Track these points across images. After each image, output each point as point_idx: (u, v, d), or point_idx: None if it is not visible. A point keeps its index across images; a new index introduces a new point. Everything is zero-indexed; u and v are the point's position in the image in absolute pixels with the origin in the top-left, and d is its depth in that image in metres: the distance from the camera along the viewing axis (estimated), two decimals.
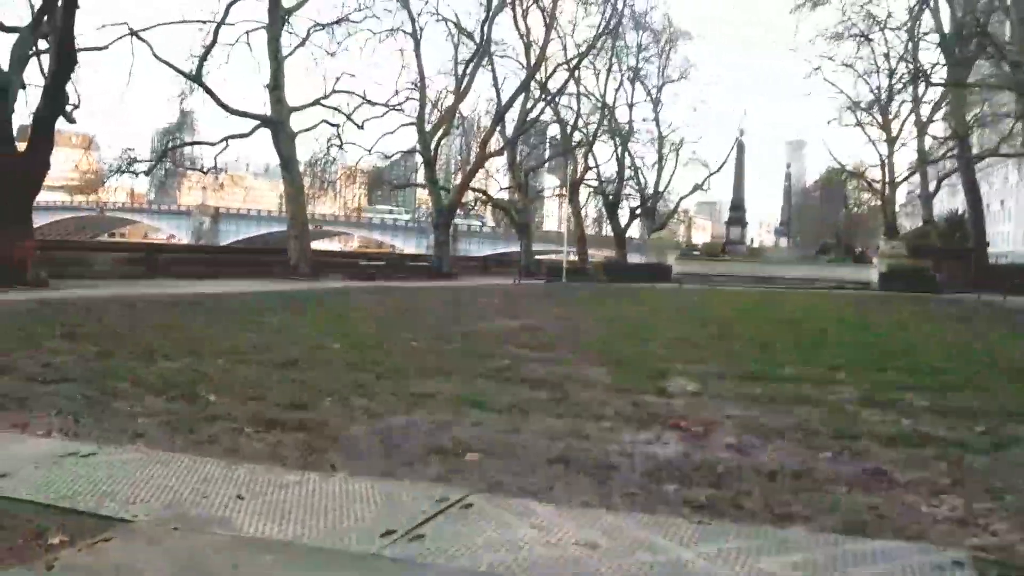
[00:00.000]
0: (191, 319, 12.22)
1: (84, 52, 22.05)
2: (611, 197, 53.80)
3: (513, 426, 5.09)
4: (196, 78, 28.26)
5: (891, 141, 47.81)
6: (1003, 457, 4.62)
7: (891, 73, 43.41)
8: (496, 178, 53.21)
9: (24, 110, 20.32)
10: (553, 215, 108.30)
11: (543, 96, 44.94)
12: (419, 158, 42.42)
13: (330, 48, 32.96)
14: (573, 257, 46.90)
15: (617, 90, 52.46)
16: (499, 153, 45.60)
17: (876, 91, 45.86)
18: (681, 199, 63.45)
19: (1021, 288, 28.09)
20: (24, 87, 20.33)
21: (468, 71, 39.51)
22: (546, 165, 57.95)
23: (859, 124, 48.29)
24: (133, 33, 25.21)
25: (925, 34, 41.40)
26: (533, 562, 2.79)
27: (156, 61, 27.69)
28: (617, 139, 53.18)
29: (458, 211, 50.58)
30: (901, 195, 58.67)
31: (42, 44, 19.18)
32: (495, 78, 43.02)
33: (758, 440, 5.01)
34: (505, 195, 54.29)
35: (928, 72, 39.32)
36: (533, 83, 42.98)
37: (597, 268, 45.27)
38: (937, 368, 8.51)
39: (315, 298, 18.31)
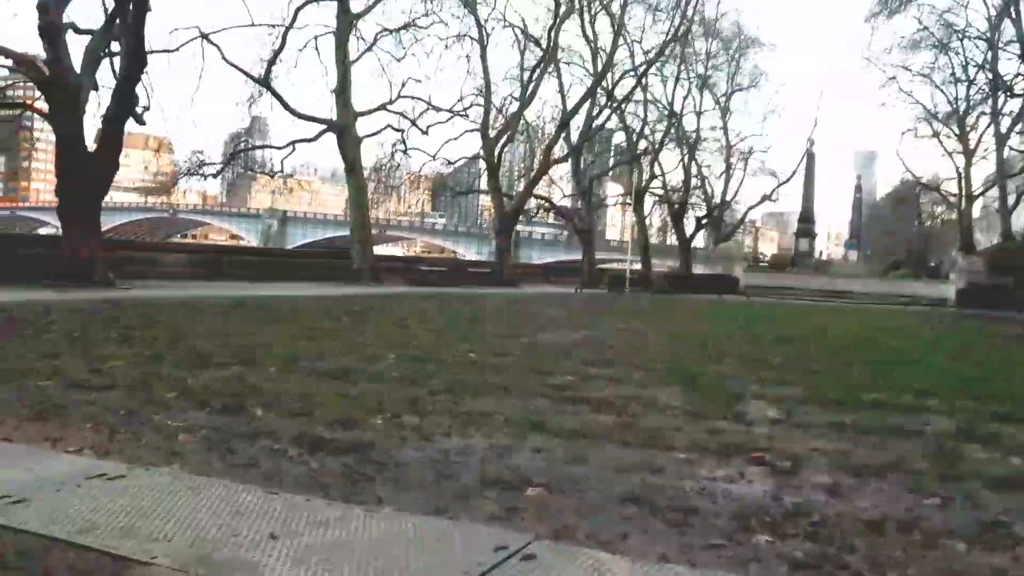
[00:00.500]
0: (249, 323, 12.06)
1: (156, 55, 22.37)
2: (677, 206, 52.86)
3: (578, 455, 4.64)
4: (264, 82, 28.48)
5: (968, 153, 45.96)
6: None
7: (969, 83, 41.79)
8: (560, 185, 52.62)
9: (98, 112, 20.65)
10: (616, 224, 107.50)
11: (609, 103, 44.34)
12: (482, 164, 42.22)
13: (396, 53, 33.05)
14: (636, 266, 46.14)
15: (685, 98, 51.63)
16: (563, 160, 45.12)
17: (954, 102, 44.26)
18: (749, 209, 62.29)
19: None
20: (97, 88, 20.66)
21: (534, 77, 39.18)
22: (610, 173, 57.29)
23: (935, 135, 46.64)
24: (203, 36, 25.51)
25: (1006, 44, 39.66)
26: None
27: (227, 65, 28.07)
28: (684, 147, 52.28)
29: (520, 218, 50.29)
30: (976, 209, 56.43)
31: (114, 46, 19.41)
32: (561, 84, 42.66)
33: (854, 480, 4.47)
34: (568, 202, 53.80)
35: (1009, 83, 37.65)
36: (599, 90, 42.42)
37: (661, 278, 44.45)
38: None
39: (374, 304, 18.10)
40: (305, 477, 3.89)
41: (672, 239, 57.57)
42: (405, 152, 36.15)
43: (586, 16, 41.12)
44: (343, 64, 29.23)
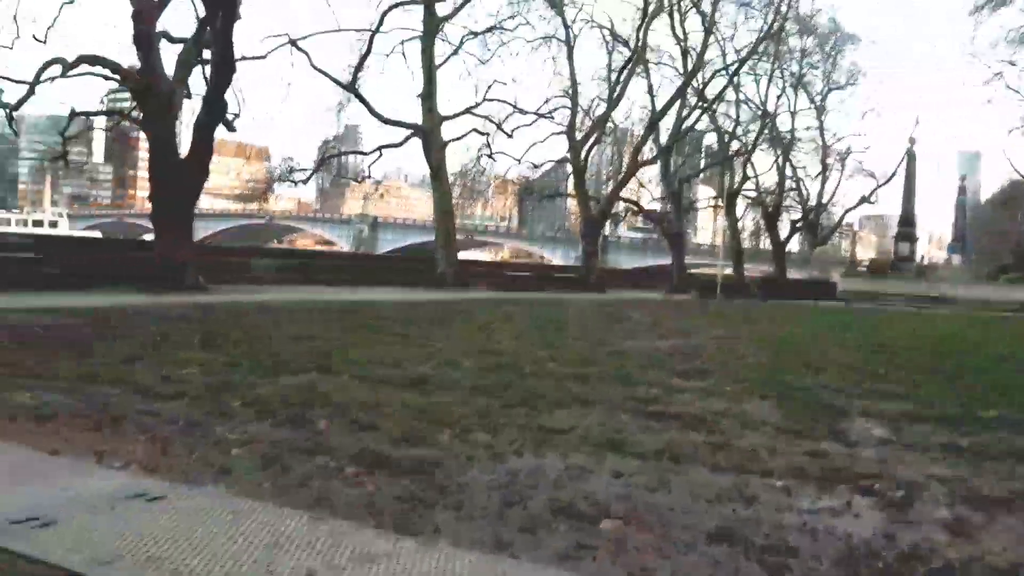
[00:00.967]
0: (331, 328, 11.95)
1: (247, 63, 22.75)
2: (770, 209, 51.30)
3: (661, 480, 4.19)
4: (351, 88, 28.74)
5: None
6: None
7: None
8: (648, 188, 51.61)
9: (191, 120, 21.09)
10: (707, 227, 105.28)
11: (700, 103, 43.28)
12: (569, 167, 41.75)
13: (482, 56, 32.91)
14: (728, 271, 44.89)
15: (779, 97, 50.05)
16: (652, 162, 44.22)
17: None
18: (846, 212, 60.02)
19: None
20: (189, 96, 21.13)
21: (621, 78, 38.49)
22: (701, 175, 56.04)
23: None
24: (292, 43, 25.87)
25: None
26: None
27: (316, 73, 28.44)
28: (778, 148, 50.69)
29: (607, 222, 49.55)
30: None
31: (206, 54, 19.80)
32: (650, 85, 41.81)
33: (978, 514, 3.90)
34: (657, 206, 52.82)
35: None
36: (689, 90, 41.44)
37: (754, 284, 43.09)
38: None
39: (457, 309, 17.89)
40: (359, 501, 3.56)
41: (765, 243, 55.93)
42: (490, 156, 36.02)
43: (676, 15, 40.21)
44: (428, 68, 29.24)
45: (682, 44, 41.11)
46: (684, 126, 43.69)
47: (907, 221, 55.64)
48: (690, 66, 40.34)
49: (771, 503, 3.91)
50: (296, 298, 17.90)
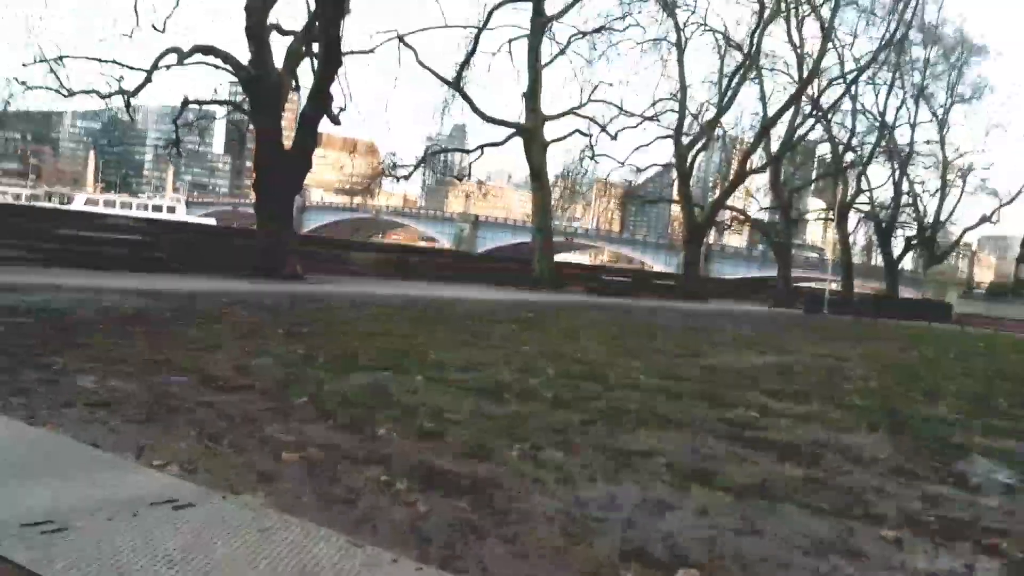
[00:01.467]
0: (417, 325, 11.74)
1: (353, 57, 22.95)
2: (884, 224, 48.99)
3: (751, 522, 3.68)
4: (455, 85, 28.73)
5: None
6: None
7: None
8: (756, 197, 50.14)
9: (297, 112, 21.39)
10: (816, 240, 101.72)
11: (814, 112, 41.67)
12: (674, 172, 40.81)
13: (589, 57, 32.41)
14: (835, 286, 43.03)
15: (899, 108, 47.76)
16: (761, 170, 42.84)
17: None
18: (965, 231, 56.91)
19: None
20: (298, 89, 21.45)
21: (733, 83, 37.36)
22: (812, 186, 53.96)
23: None
24: (400, 38, 26.00)
25: None
26: None
27: (423, 69, 28.50)
28: (895, 161, 48.38)
29: (712, 230, 48.30)
30: None
31: (315, 48, 20.01)
32: (762, 91, 40.44)
33: None
34: (764, 215, 51.20)
35: None
36: (804, 97, 39.90)
37: (864, 301, 41.13)
38: None
39: (548, 311, 17.48)
40: (406, 523, 3.19)
41: (877, 259, 53.46)
42: (593, 158, 35.45)
43: (793, 19, 38.79)
44: (534, 67, 28.96)
45: (798, 50, 39.70)
46: (796, 135, 42.18)
47: None
48: (805, 73, 38.86)
49: (879, 559, 3.36)
50: (388, 292, 17.86)
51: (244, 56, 19.41)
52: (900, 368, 12.40)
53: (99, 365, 5.83)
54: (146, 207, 79.68)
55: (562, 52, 31.14)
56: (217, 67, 19.87)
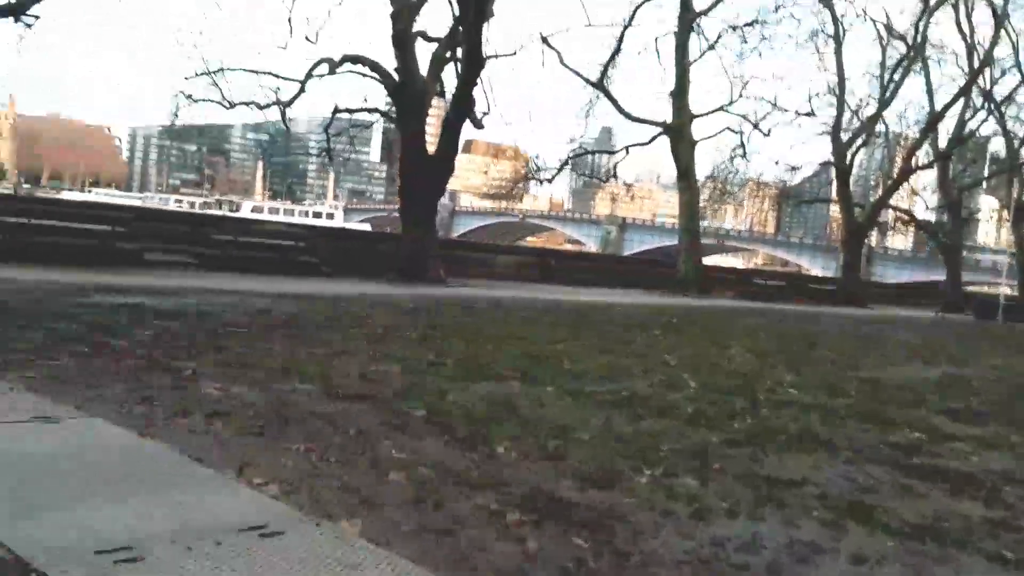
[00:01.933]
0: (554, 329, 11.41)
1: (496, 61, 22.88)
2: None
3: (918, 572, 3.10)
4: (600, 85, 28.24)
5: None
6: None
7: None
8: (922, 196, 46.69)
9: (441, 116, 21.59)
10: (989, 241, 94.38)
11: (986, 104, 38.43)
12: (832, 171, 38.63)
13: (740, 52, 31.08)
14: (1010, 291, 39.51)
15: None
16: (927, 167, 39.88)
17: None
18: None
19: None
20: (442, 94, 21.61)
21: (895, 76, 34.94)
22: (984, 183, 49.86)
23: None
24: (544, 40, 25.79)
25: None
26: None
27: (566, 71, 28.24)
28: None
29: (873, 231, 45.50)
30: None
31: (458, 52, 20.08)
32: (928, 83, 37.58)
33: None
34: (931, 216, 47.74)
35: None
36: (974, 89, 36.84)
37: None
38: None
39: (694, 317, 16.72)
40: (509, 564, 2.83)
41: None
42: (744, 156, 33.99)
43: (962, 7, 35.85)
44: (681, 64, 28.06)
45: (967, 39, 36.67)
46: (967, 129, 39.02)
47: None
48: (976, 63, 35.85)
49: None
50: (529, 296, 17.64)
51: (391, 64, 19.74)
52: None
53: (228, 371, 5.81)
54: (306, 214, 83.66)
55: (711, 48, 30.00)
56: (365, 75, 20.28)
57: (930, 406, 7.45)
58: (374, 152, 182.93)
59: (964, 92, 36.19)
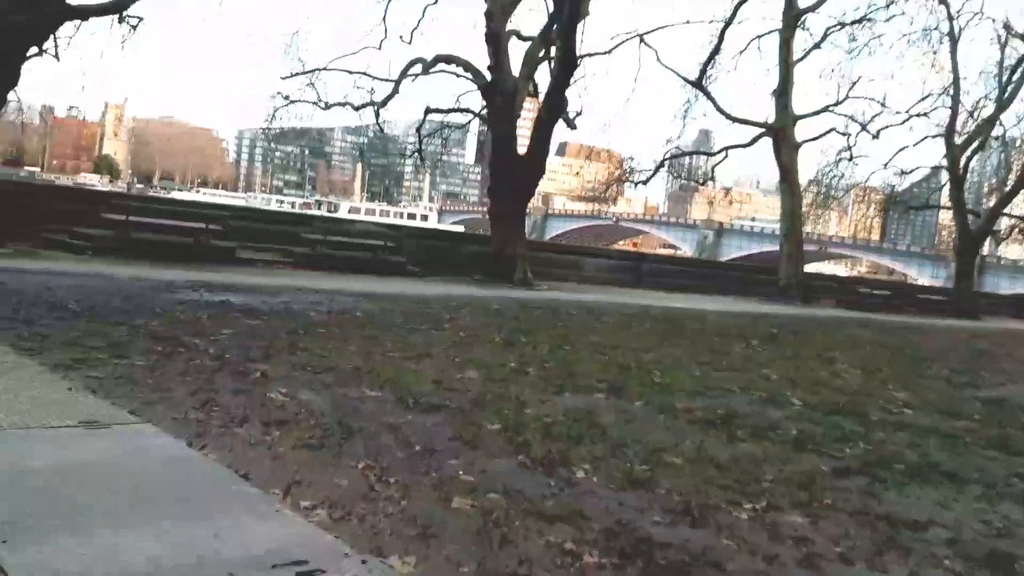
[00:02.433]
0: (645, 337, 10.88)
1: (591, 60, 22.45)
2: None
3: None
4: (698, 84, 27.35)
5: None
6: None
7: None
8: None
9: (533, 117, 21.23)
10: None
11: None
12: (944, 175, 36.59)
13: (848, 50, 29.68)
14: None
15: None
16: None
17: None
18: None
19: None
20: (535, 94, 21.22)
21: (1015, 76, 32.80)
22: None
23: None
24: (640, 38, 25.11)
25: None
26: None
27: (663, 70, 27.51)
28: None
29: (988, 240, 42.95)
30: None
31: (552, 51, 19.70)
32: None
33: None
34: None
35: None
36: None
37: None
38: None
39: (796, 327, 15.85)
40: None
41: None
42: (851, 159, 32.48)
43: None
44: (785, 62, 26.94)
45: None
46: None
47: None
48: None
49: None
50: (619, 301, 17.09)
51: (484, 63, 19.51)
52: None
53: (299, 374, 5.57)
54: (401, 215, 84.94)
55: (817, 46, 28.75)
56: (458, 75, 20.12)
57: None
58: (469, 154, 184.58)
59: None
